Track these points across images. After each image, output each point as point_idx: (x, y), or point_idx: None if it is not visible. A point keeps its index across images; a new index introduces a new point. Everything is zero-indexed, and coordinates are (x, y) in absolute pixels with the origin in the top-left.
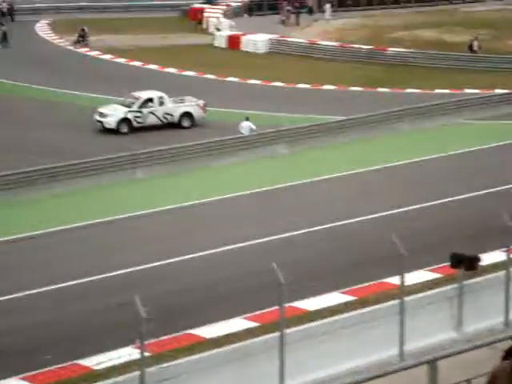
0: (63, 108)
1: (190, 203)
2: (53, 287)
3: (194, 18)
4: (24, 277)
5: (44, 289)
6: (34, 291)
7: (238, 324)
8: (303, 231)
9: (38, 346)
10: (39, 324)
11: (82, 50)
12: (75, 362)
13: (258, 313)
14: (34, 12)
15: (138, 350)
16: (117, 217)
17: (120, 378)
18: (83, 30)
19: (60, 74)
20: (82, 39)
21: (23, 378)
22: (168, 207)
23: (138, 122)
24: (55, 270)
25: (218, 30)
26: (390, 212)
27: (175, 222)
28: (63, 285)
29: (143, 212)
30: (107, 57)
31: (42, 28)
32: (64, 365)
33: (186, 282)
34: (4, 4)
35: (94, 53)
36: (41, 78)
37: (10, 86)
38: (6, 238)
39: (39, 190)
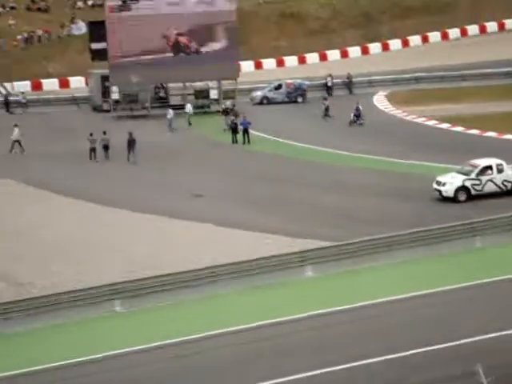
0: (399, 176)
1: None
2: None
3: None
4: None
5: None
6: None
7: None
8: None
9: None
10: None
11: (419, 119)
12: None
13: None
14: (370, 85)
15: None
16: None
17: None
18: (358, 108)
19: (395, 143)
20: (356, 118)
21: None
22: None
23: (476, 190)
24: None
25: None
26: None
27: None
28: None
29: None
30: (445, 126)
31: (379, 99)
32: None
33: None
34: (329, 78)
35: (431, 122)
36: (375, 147)
37: (341, 157)
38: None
39: (378, 258)
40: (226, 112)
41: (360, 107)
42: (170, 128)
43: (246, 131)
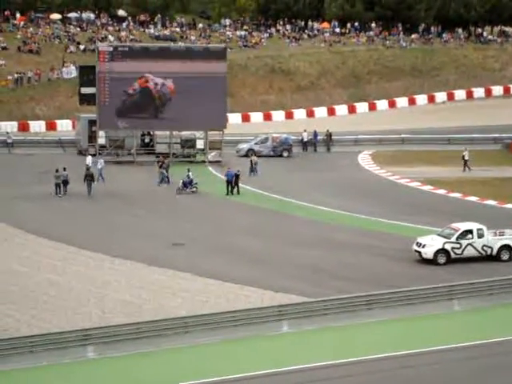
0: (380, 236)
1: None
2: None
3: None
4: None
5: None
6: None
7: None
8: None
9: None
10: None
11: (402, 180)
12: None
13: None
14: (356, 143)
15: None
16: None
17: None
18: (188, 176)
19: (376, 203)
20: (185, 186)
21: None
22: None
23: (456, 254)
24: None
25: None
26: None
27: None
28: None
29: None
30: (427, 188)
31: (364, 158)
32: None
33: None
34: (305, 134)
35: (414, 183)
36: (356, 205)
37: (322, 213)
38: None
39: (355, 317)
40: (160, 164)
41: (190, 174)
42: (102, 177)
43: (229, 183)
